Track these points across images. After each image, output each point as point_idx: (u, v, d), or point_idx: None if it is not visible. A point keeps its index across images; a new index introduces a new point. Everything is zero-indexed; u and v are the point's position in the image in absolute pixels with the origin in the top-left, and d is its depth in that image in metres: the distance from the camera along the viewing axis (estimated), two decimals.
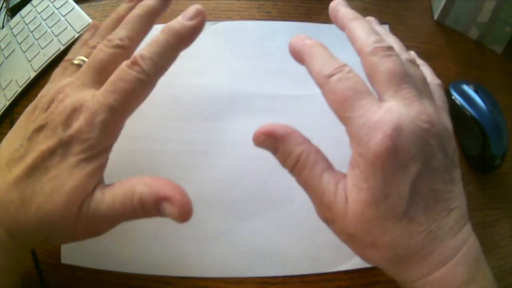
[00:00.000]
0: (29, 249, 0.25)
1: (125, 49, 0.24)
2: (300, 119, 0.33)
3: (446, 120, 0.22)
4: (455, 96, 0.32)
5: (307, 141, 0.22)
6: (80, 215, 0.20)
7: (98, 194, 0.21)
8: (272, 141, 0.22)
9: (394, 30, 0.37)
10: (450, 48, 0.38)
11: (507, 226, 0.29)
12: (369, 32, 0.23)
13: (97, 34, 0.28)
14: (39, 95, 0.24)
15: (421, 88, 0.22)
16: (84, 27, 0.38)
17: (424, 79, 0.23)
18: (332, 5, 0.26)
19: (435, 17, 0.39)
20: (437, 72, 0.36)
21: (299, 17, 0.38)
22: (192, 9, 0.24)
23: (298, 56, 0.25)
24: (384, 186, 0.19)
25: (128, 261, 0.27)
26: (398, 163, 0.19)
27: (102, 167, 0.22)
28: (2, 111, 0.35)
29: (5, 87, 0.37)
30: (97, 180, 0.21)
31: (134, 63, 0.22)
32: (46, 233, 0.21)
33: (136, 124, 0.32)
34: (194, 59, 0.35)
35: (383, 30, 0.27)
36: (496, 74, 0.37)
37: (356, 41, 0.23)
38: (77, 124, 0.21)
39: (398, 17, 0.39)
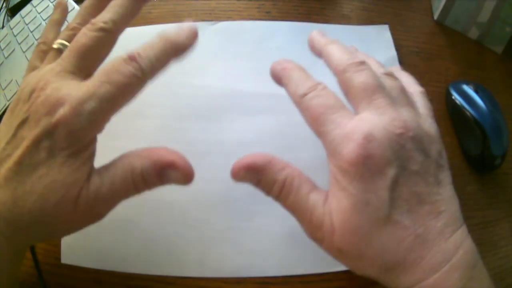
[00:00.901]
0: (25, 249, 0.25)
1: (109, 33, 0.23)
2: (300, 119, 0.33)
3: (428, 125, 0.22)
4: (455, 96, 0.32)
5: (288, 165, 0.22)
6: (78, 206, 0.20)
7: (95, 180, 0.20)
8: (253, 173, 0.21)
9: (394, 30, 0.37)
10: (450, 48, 0.38)
11: (507, 226, 0.29)
12: (342, 52, 0.24)
13: (77, 15, 0.26)
14: (21, 86, 0.23)
15: (398, 97, 0.22)
16: None
17: (402, 89, 0.23)
18: (309, 37, 0.27)
19: (435, 17, 0.39)
20: (437, 72, 0.36)
21: (299, 17, 0.38)
22: (189, 26, 0.24)
23: (278, 80, 0.26)
24: (363, 193, 0.19)
25: (128, 261, 0.27)
26: (373, 168, 0.19)
27: (90, 158, 0.21)
28: (2, 111, 0.35)
29: (5, 87, 0.37)
30: (87, 172, 0.21)
31: (132, 59, 0.21)
32: (43, 231, 0.21)
33: (136, 124, 0.32)
34: (194, 59, 0.35)
35: (360, 53, 0.28)
36: (496, 74, 0.37)
37: (331, 63, 0.24)
38: (62, 111, 0.20)
39: (398, 17, 0.39)
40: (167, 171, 0.21)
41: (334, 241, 0.20)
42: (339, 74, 0.23)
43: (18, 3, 0.43)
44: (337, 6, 0.40)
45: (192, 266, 0.26)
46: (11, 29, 0.41)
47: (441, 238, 0.19)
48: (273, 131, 0.30)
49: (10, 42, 0.40)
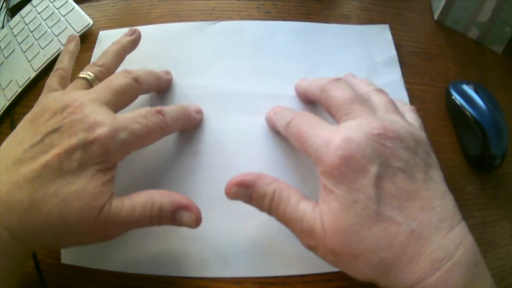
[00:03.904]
0: (31, 252, 0.25)
1: (138, 86, 0.27)
2: None
3: (413, 129, 0.23)
4: (455, 96, 0.32)
5: (276, 179, 0.23)
6: (98, 219, 0.21)
7: (116, 202, 0.22)
8: (244, 189, 0.23)
9: (394, 30, 0.37)
10: (450, 48, 0.38)
11: (507, 226, 0.29)
12: (318, 78, 0.27)
13: (103, 56, 0.30)
14: (44, 102, 0.24)
15: (385, 107, 0.24)
16: (84, 27, 0.38)
17: (390, 101, 0.25)
18: (295, 89, 0.32)
19: (435, 17, 0.39)
20: (437, 72, 0.36)
21: (299, 17, 0.38)
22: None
23: (272, 124, 0.30)
24: (349, 192, 0.20)
25: (128, 261, 0.27)
26: (355, 167, 0.20)
27: (113, 180, 0.23)
28: (2, 111, 0.35)
29: (5, 87, 0.37)
30: (111, 191, 0.22)
31: (160, 113, 0.25)
32: (56, 236, 0.21)
33: None
34: (194, 59, 0.35)
35: (358, 79, 0.29)
36: (496, 74, 0.36)
37: (312, 91, 0.27)
38: (102, 131, 0.22)
39: (398, 17, 0.39)
40: (181, 212, 0.23)
41: (327, 244, 0.20)
42: (320, 96, 0.25)
43: (18, 3, 0.43)
44: (337, 6, 0.40)
45: (191, 266, 0.26)
46: (11, 29, 0.41)
47: (438, 234, 0.19)
48: (273, 131, 0.30)
49: (10, 42, 0.40)
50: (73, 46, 0.31)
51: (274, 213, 0.23)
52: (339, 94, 0.24)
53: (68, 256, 0.27)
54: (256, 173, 0.24)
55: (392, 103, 0.25)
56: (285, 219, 0.22)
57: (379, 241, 0.19)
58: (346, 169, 0.20)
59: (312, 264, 0.26)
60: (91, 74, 0.27)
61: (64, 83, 0.28)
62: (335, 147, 0.21)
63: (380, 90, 0.26)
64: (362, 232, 0.19)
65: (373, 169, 0.20)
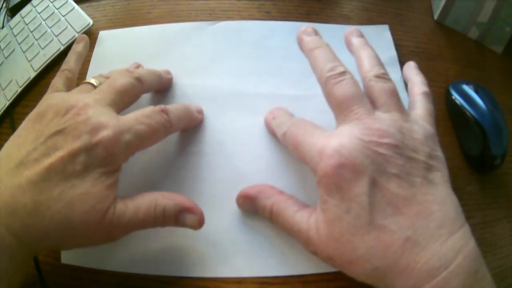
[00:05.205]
0: (34, 254, 0.25)
1: (141, 85, 0.27)
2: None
3: (416, 128, 0.22)
4: (455, 96, 0.32)
5: (276, 192, 0.25)
6: (102, 222, 0.21)
7: (120, 205, 0.22)
8: (249, 201, 0.26)
9: (394, 30, 0.37)
10: (450, 48, 0.38)
11: (507, 226, 0.29)
12: (325, 61, 0.24)
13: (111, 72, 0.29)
14: (48, 102, 0.24)
15: (386, 102, 0.23)
16: (84, 27, 0.38)
17: (391, 92, 0.23)
18: (298, 34, 0.28)
19: (435, 17, 0.39)
20: (437, 72, 0.36)
21: (299, 17, 0.38)
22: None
23: (270, 128, 0.30)
24: (342, 202, 0.20)
25: (128, 261, 0.27)
26: (347, 177, 0.20)
27: (117, 183, 0.23)
28: (2, 111, 0.35)
29: (5, 87, 0.37)
30: (115, 194, 0.22)
31: (164, 111, 0.25)
32: (59, 239, 0.21)
33: None
34: (194, 59, 0.35)
35: (361, 41, 0.28)
36: (496, 74, 0.36)
37: (315, 71, 0.25)
38: (106, 134, 0.22)
39: (398, 17, 0.39)
40: (185, 214, 0.23)
41: (323, 251, 0.21)
42: (321, 85, 0.24)
43: (18, 3, 0.43)
44: (337, 6, 0.40)
45: (191, 266, 0.26)
46: (11, 29, 0.41)
47: (436, 241, 0.18)
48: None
49: (10, 42, 0.40)
50: (82, 47, 0.31)
51: (275, 223, 0.25)
52: (339, 93, 0.23)
53: (68, 256, 0.27)
54: (259, 187, 0.26)
55: (394, 94, 0.23)
56: (284, 229, 0.24)
57: (372, 250, 0.19)
58: (338, 179, 0.20)
59: (312, 264, 0.26)
60: (98, 81, 0.27)
61: (69, 84, 0.28)
62: (327, 156, 0.21)
63: (383, 77, 0.24)
64: (355, 241, 0.19)
65: (366, 178, 0.20)
